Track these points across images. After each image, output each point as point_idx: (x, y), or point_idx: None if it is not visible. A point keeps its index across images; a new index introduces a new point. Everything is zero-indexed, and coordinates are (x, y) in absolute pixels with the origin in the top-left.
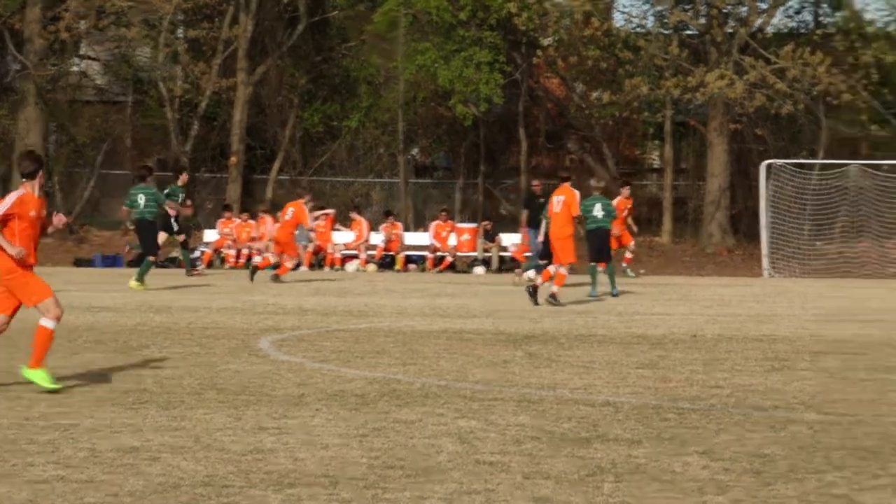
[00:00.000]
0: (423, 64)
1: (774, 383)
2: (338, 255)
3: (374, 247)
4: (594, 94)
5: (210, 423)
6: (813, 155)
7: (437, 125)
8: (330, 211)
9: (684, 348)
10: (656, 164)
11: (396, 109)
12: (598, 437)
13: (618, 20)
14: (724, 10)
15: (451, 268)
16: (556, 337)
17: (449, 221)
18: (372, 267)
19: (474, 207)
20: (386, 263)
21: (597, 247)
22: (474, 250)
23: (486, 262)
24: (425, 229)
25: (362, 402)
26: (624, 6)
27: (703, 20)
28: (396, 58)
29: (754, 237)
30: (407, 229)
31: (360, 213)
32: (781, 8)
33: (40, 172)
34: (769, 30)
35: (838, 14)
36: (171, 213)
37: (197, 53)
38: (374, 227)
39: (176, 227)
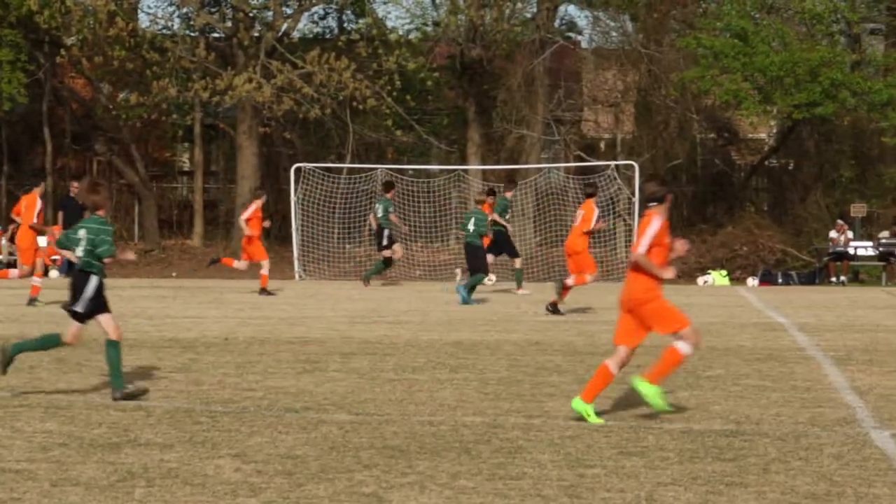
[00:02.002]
0: None
1: (306, 385)
2: None
3: None
4: (121, 95)
5: None
6: (341, 159)
7: None
8: None
9: (217, 351)
10: (186, 166)
11: None
12: (130, 442)
13: (143, 21)
14: (251, 14)
15: None
16: (86, 342)
17: None
18: None
19: None
20: None
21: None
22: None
23: (11, 266)
24: None
25: None
26: (149, 7)
27: (229, 23)
28: None
29: (286, 240)
30: None
31: None
32: (307, 13)
33: (668, 196)
34: (295, 34)
35: (361, 21)
36: (396, 222)
37: None
38: None
39: (386, 241)
